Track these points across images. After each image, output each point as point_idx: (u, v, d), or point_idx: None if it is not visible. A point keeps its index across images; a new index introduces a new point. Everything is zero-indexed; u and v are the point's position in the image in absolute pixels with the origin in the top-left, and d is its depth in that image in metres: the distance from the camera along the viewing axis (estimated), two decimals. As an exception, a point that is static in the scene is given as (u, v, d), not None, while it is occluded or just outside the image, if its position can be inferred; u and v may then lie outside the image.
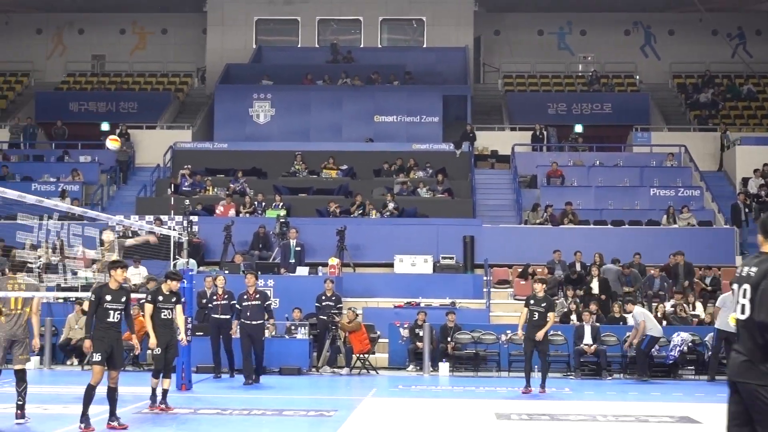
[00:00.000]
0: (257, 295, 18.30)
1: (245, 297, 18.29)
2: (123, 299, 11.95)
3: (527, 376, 17.38)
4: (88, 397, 11.56)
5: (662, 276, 23.80)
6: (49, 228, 14.65)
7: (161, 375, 13.69)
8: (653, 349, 20.12)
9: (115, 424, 11.82)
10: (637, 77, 39.88)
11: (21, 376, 12.24)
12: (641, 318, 19.79)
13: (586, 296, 23.04)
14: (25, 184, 29.24)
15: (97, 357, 11.63)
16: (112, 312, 11.83)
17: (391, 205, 27.38)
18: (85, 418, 11.54)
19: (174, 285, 13.88)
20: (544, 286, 17.91)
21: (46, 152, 34.03)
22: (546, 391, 17.09)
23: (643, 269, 24.41)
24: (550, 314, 17.37)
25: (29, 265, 15.22)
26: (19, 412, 12.16)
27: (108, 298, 11.78)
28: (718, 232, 26.78)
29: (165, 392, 13.77)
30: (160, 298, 13.70)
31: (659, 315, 21.97)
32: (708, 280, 24.16)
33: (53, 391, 15.55)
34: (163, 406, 13.67)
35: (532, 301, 17.41)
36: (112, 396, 11.84)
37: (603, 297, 22.91)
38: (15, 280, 12.52)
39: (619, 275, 23.81)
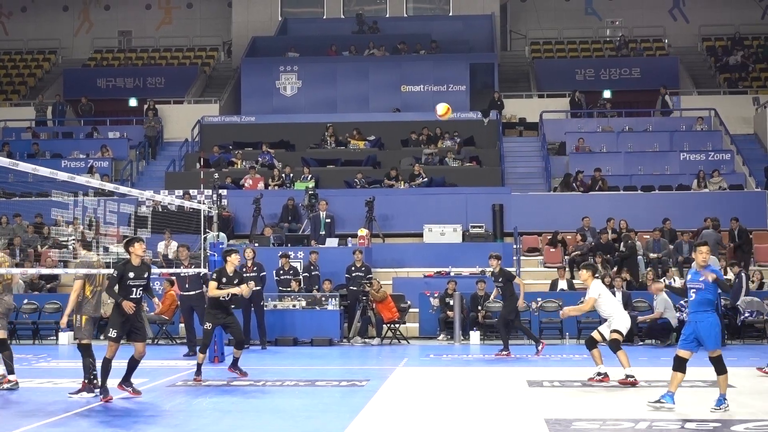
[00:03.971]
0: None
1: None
2: (145, 275, 12.11)
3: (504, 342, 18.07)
4: (105, 370, 11.82)
5: (691, 242, 23.59)
6: (85, 205, 14.73)
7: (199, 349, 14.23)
8: (679, 315, 20.13)
9: (130, 389, 12.13)
10: (666, 41, 39.44)
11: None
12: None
13: (622, 263, 22.95)
14: (55, 161, 29.46)
15: (112, 333, 11.89)
16: (134, 289, 11.99)
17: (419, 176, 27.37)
18: (104, 389, 11.81)
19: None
20: (499, 261, 18.38)
21: (75, 129, 34.22)
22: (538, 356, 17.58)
23: (674, 235, 24.25)
24: (518, 280, 18.48)
25: (63, 240, 15.31)
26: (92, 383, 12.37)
27: (131, 275, 11.93)
28: (749, 195, 26.60)
29: (236, 360, 14.40)
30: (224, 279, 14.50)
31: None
32: (736, 232, 23.89)
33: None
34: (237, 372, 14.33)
35: (493, 279, 18.49)
36: (133, 365, 12.16)
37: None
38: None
39: (719, 240, 23.37)
